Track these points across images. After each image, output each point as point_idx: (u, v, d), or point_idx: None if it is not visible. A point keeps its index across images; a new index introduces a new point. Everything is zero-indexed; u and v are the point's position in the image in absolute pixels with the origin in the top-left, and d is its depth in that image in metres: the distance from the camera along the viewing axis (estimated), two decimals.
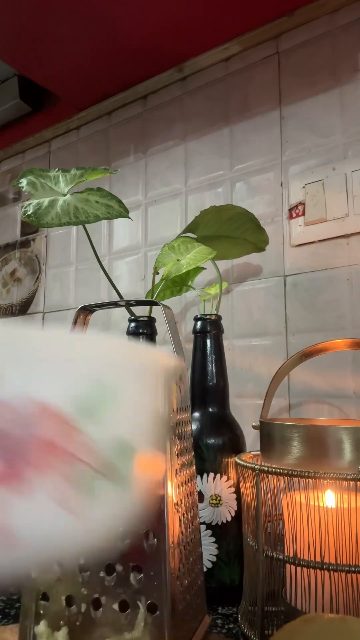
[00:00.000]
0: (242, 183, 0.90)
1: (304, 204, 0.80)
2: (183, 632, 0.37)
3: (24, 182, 0.63)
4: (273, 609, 0.47)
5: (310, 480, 0.42)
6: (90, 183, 0.69)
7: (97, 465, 0.18)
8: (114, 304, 0.35)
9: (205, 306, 0.83)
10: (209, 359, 0.62)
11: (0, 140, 1.32)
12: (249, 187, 0.88)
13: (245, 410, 0.81)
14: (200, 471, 0.57)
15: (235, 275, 0.87)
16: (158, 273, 0.70)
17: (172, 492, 0.37)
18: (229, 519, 0.56)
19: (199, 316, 0.65)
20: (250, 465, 0.47)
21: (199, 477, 0.57)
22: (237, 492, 0.57)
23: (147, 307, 0.73)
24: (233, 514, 0.56)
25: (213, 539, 0.56)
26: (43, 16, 0.85)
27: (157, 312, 0.72)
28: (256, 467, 0.46)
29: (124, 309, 0.68)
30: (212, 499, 0.56)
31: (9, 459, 0.17)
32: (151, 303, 0.33)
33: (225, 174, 0.92)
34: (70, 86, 1.05)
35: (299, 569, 0.43)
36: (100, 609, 0.35)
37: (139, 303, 0.37)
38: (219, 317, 0.65)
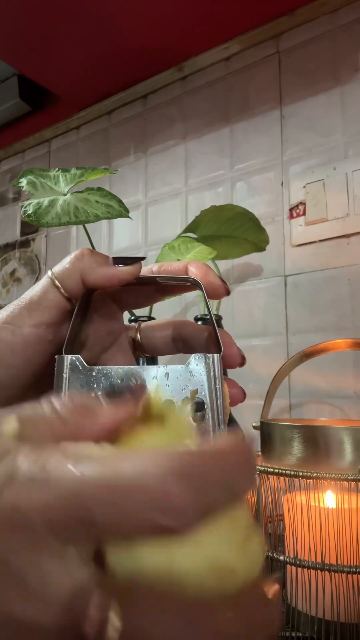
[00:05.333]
0: (242, 183, 0.89)
1: (304, 204, 0.80)
2: None
3: (23, 182, 0.63)
4: None
5: (311, 480, 0.42)
6: (90, 183, 0.69)
7: None
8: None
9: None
10: None
11: (0, 140, 1.31)
12: (249, 187, 0.88)
13: (245, 411, 0.81)
14: None
15: (236, 275, 0.87)
16: None
17: None
18: None
19: (199, 316, 0.65)
20: None
21: None
22: None
23: (147, 307, 0.73)
24: None
25: None
26: (43, 16, 0.84)
27: (157, 313, 0.72)
28: (257, 467, 0.46)
29: None
30: None
31: None
32: (183, 279, 0.31)
33: (226, 174, 0.92)
34: (70, 86, 1.05)
35: (299, 569, 0.43)
36: None
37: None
38: (219, 317, 0.65)
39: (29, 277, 1.22)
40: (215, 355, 0.26)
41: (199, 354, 0.26)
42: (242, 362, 0.30)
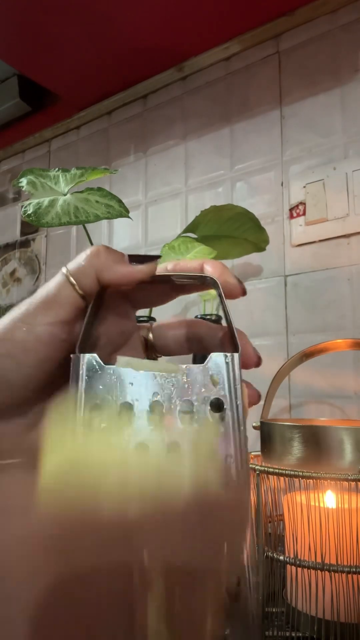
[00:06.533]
0: (242, 183, 0.89)
1: (304, 204, 0.80)
2: None
3: (23, 182, 0.63)
4: (274, 610, 0.47)
5: (311, 480, 0.42)
6: (90, 183, 0.69)
7: None
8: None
9: (206, 306, 0.82)
10: None
11: (0, 140, 1.31)
12: (249, 187, 0.88)
13: None
14: None
15: (236, 275, 0.87)
16: None
17: None
18: None
19: (199, 316, 0.65)
20: (250, 465, 0.47)
21: None
22: None
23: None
24: None
25: None
26: (43, 16, 0.84)
27: (157, 313, 0.72)
28: (257, 467, 0.46)
29: None
30: None
31: None
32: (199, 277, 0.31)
33: (226, 174, 0.92)
34: (70, 86, 1.05)
35: (299, 569, 0.43)
36: None
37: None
38: (219, 317, 0.65)
39: (29, 277, 1.22)
40: (235, 354, 0.25)
41: (218, 353, 0.25)
42: (258, 362, 0.29)
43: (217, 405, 0.25)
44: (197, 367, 0.25)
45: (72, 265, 0.28)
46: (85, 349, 0.26)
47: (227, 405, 0.25)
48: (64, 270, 0.28)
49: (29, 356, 0.27)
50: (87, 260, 0.28)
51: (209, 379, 0.25)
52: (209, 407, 0.25)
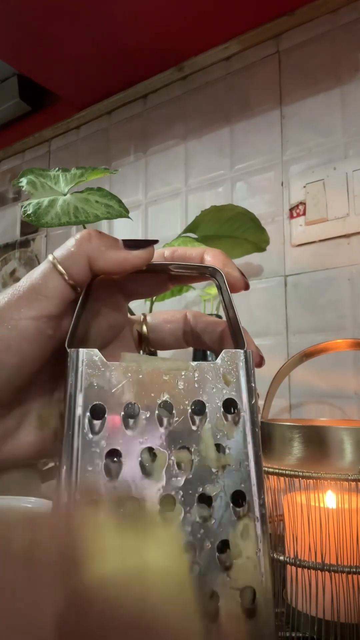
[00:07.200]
0: (242, 183, 0.89)
1: (304, 204, 0.80)
2: None
3: (23, 182, 0.63)
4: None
5: (311, 481, 0.42)
6: (90, 183, 0.69)
7: None
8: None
9: (206, 306, 0.82)
10: (210, 359, 0.62)
11: (0, 140, 1.31)
12: (249, 187, 0.88)
13: None
14: None
15: None
16: None
17: None
18: None
19: None
20: None
21: None
22: None
23: (147, 305, 0.73)
24: None
25: None
26: (43, 16, 0.84)
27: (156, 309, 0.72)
28: None
29: None
30: None
31: None
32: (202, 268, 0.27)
33: (226, 174, 0.92)
34: (70, 85, 1.05)
35: (299, 570, 0.43)
36: None
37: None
38: (219, 317, 0.65)
39: None
40: (249, 350, 0.23)
41: (230, 350, 0.23)
42: (261, 362, 0.26)
43: (230, 407, 0.23)
44: (207, 365, 0.23)
45: (60, 252, 0.25)
46: (73, 344, 0.23)
47: (241, 406, 0.23)
48: (50, 257, 0.24)
49: (10, 355, 0.23)
50: (77, 245, 0.24)
51: (220, 377, 0.23)
52: (222, 409, 0.23)
